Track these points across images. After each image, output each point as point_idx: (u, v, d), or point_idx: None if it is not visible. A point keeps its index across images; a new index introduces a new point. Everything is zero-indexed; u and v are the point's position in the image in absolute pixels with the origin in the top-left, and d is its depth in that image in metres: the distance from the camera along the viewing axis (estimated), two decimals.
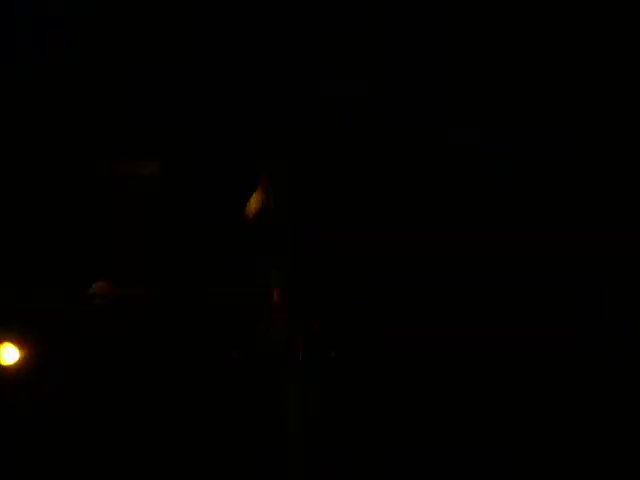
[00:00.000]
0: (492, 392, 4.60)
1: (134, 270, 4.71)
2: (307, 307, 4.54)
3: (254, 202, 4.64)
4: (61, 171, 4.67)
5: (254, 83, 4.54)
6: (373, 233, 4.63)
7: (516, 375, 4.60)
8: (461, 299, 4.63)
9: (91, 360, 4.70)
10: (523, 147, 4.55)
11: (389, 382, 4.63)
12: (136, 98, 4.57)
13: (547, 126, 4.55)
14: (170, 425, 4.65)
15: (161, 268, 4.74)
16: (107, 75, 4.52)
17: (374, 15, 4.42)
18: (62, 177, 4.68)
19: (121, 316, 4.68)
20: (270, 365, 4.47)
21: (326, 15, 4.41)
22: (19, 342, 4.60)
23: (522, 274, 4.62)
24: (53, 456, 4.62)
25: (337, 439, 4.53)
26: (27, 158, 4.66)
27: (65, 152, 4.64)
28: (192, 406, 4.65)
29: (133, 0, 4.46)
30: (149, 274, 4.72)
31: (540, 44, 4.42)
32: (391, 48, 4.47)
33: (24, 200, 4.70)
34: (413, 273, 4.65)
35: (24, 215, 4.70)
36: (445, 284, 4.65)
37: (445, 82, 4.51)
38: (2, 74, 4.54)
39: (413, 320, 4.62)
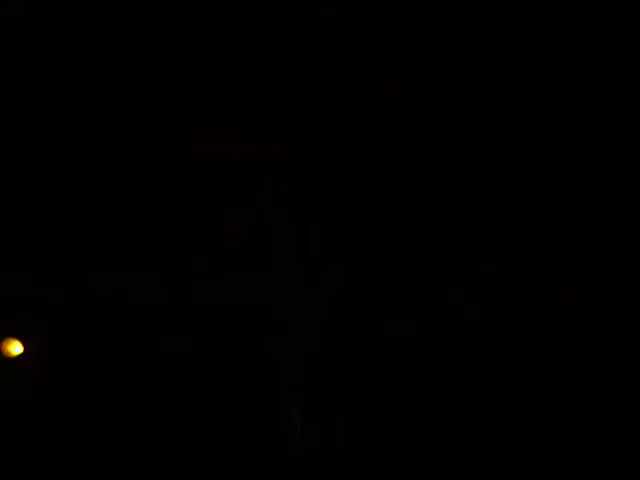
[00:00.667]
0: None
1: (136, 262, 4.72)
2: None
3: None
4: (56, 166, 4.66)
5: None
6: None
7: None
8: None
9: (95, 353, 4.70)
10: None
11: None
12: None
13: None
14: (173, 420, 4.64)
15: (163, 258, 4.74)
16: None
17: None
18: (61, 172, 4.67)
19: (126, 309, 4.69)
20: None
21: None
22: (23, 336, 4.62)
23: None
24: (56, 450, 4.61)
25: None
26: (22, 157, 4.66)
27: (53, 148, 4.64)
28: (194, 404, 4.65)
29: None
30: (151, 265, 4.72)
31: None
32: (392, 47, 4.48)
33: (23, 194, 4.70)
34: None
35: (25, 210, 4.69)
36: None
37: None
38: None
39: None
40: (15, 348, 4.61)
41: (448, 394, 4.62)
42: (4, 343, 4.61)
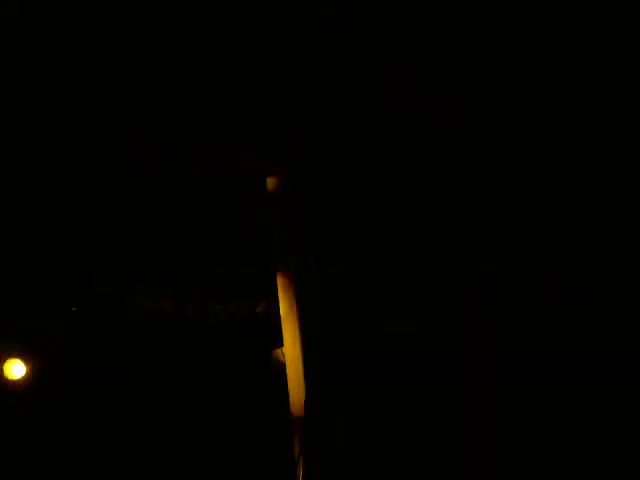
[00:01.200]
0: None
1: (138, 276, 4.71)
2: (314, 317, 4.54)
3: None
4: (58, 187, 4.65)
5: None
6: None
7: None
8: None
9: (97, 371, 4.69)
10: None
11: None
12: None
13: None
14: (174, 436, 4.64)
15: (168, 275, 4.73)
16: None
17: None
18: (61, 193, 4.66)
19: (129, 326, 4.68)
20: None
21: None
22: (25, 356, 4.63)
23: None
24: (59, 468, 4.61)
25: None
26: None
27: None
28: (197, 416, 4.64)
29: None
30: (156, 282, 4.71)
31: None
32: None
33: (27, 216, 4.68)
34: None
35: (28, 230, 4.68)
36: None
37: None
38: None
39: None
40: (18, 369, 4.62)
41: (448, 394, 4.62)
42: (6, 364, 4.62)
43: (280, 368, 4.45)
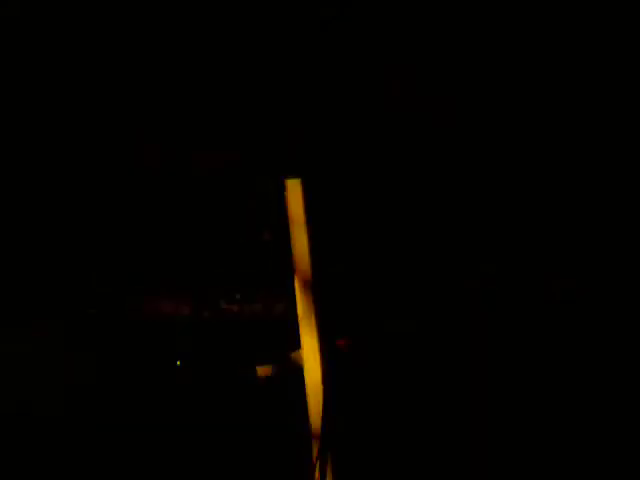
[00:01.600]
0: None
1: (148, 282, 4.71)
2: (333, 319, 4.53)
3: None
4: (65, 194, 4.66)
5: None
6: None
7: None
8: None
9: (97, 371, 4.70)
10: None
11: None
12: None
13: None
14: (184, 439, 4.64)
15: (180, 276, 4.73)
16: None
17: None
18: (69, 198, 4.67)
19: (141, 327, 4.68)
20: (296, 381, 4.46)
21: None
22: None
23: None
24: (59, 469, 4.62)
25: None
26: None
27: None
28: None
29: None
30: (156, 283, 4.71)
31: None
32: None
33: (27, 216, 4.69)
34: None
35: (27, 230, 4.68)
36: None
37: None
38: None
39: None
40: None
41: (448, 394, 4.62)
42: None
43: (298, 371, 4.43)
